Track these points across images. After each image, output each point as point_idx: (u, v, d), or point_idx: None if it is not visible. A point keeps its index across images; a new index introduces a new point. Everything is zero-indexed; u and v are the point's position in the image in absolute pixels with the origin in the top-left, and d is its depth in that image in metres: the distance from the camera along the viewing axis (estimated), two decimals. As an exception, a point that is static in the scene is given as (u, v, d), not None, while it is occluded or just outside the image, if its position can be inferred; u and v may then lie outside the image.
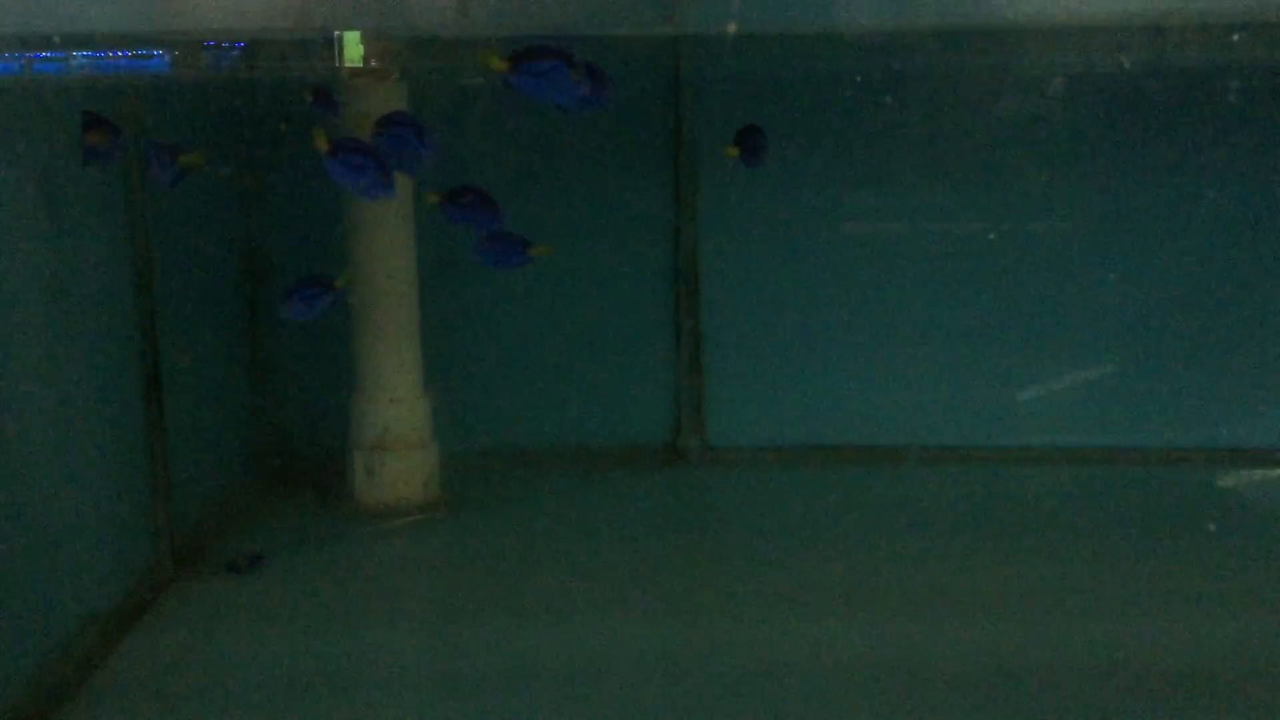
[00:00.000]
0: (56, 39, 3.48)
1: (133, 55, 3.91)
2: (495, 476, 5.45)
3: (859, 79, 5.23)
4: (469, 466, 5.39)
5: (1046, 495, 5.27)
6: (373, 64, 4.30)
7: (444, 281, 5.26)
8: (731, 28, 3.18)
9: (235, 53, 4.01)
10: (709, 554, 4.85)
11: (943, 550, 4.64)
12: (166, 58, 3.96)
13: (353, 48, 4.24)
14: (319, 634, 4.06)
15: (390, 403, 5.10)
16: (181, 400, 4.58)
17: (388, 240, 5.03)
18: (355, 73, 4.49)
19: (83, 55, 3.82)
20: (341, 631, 4.09)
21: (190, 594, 4.37)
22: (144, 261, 4.35)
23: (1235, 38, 3.68)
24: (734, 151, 3.52)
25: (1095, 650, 3.81)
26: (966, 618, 4.06)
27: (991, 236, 5.46)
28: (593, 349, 5.60)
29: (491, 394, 5.55)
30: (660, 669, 3.77)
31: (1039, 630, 3.96)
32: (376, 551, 4.82)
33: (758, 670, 3.74)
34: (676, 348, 5.62)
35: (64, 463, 3.84)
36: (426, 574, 4.68)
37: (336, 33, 3.94)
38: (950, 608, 4.14)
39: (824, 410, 5.62)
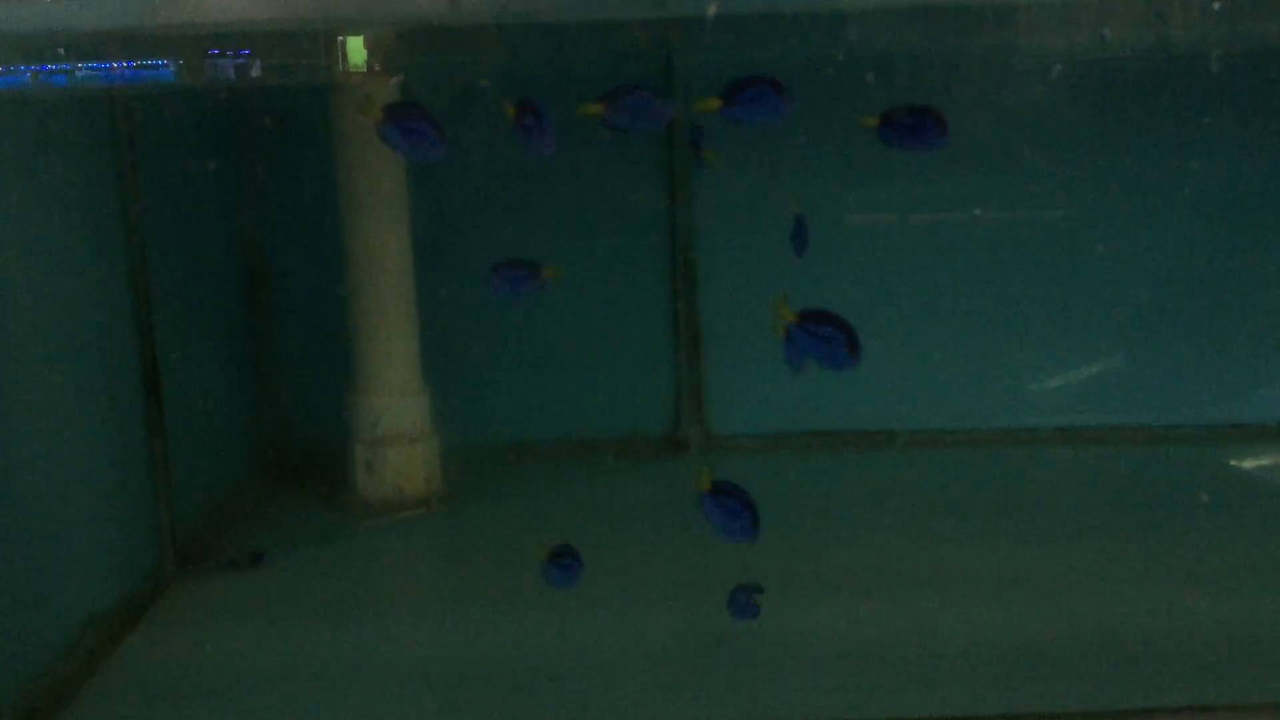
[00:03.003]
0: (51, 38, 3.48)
1: (138, 65, 3.92)
2: (497, 470, 5.44)
3: (856, 66, 5.22)
4: (470, 460, 5.37)
5: (1048, 476, 5.25)
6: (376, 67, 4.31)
7: (437, 276, 5.25)
8: (711, 9, 3.16)
9: (238, 61, 4.02)
10: (712, 542, 4.81)
11: (947, 532, 4.62)
12: (172, 67, 3.97)
13: (355, 52, 4.25)
14: (322, 630, 4.05)
15: (390, 397, 5.09)
16: (181, 398, 4.57)
17: (384, 235, 5.03)
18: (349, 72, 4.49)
19: (88, 66, 3.83)
20: (344, 627, 4.07)
21: (192, 592, 4.36)
22: (140, 260, 4.34)
23: (1216, 5, 3.65)
24: (715, 104, 3.17)
25: (1102, 626, 3.80)
26: (973, 598, 4.05)
27: (978, 212, 5.44)
28: (592, 340, 5.58)
29: (492, 387, 5.53)
30: (667, 657, 3.76)
31: (1046, 608, 3.94)
32: (378, 546, 4.81)
33: (764, 655, 3.73)
34: (675, 337, 5.61)
35: (64, 463, 3.84)
36: (429, 568, 4.67)
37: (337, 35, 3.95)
38: (956, 589, 4.13)
39: (825, 397, 5.60)
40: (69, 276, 3.94)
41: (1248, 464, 5.32)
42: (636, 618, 4.03)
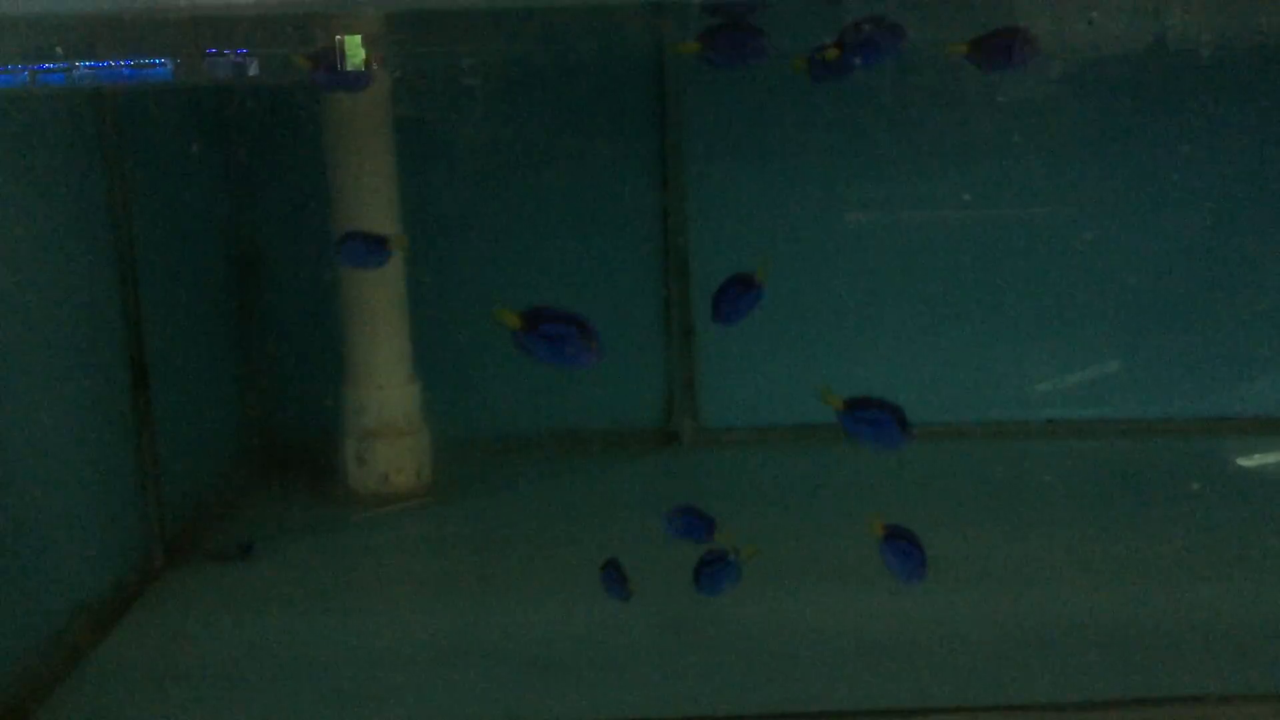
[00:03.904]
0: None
1: (135, 65, 3.92)
2: (487, 462, 5.42)
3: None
4: (461, 452, 5.35)
5: (1039, 468, 5.24)
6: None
7: (428, 267, 5.24)
8: None
9: (235, 59, 4.01)
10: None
11: (939, 524, 4.59)
12: (169, 65, 3.97)
13: (354, 49, 4.23)
14: (310, 620, 4.03)
15: (380, 389, 5.07)
16: (169, 389, 4.55)
17: (374, 226, 4.98)
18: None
19: (85, 65, 3.83)
20: (333, 617, 4.06)
21: (180, 583, 4.34)
22: (128, 251, 4.32)
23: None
24: (693, 47, 3.08)
25: (1092, 616, 3.80)
26: (964, 588, 4.04)
27: (966, 197, 5.43)
28: (584, 332, 5.56)
29: (482, 379, 5.51)
30: (659, 645, 3.76)
31: (1037, 599, 3.94)
32: (368, 538, 4.79)
33: (757, 646, 3.73)
34: (667, 330, 5.59)
35: (51, 454, 3.82)
36: (418, 559, 4.65)
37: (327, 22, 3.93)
38: (946, 578, 4.11)
39: (816, 390, 5.58)
40: (56, 268, 3.92)
41: (1238, 456, 5.32)
42: (628, 606, 4.01)
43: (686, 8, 3.54)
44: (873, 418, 2.78)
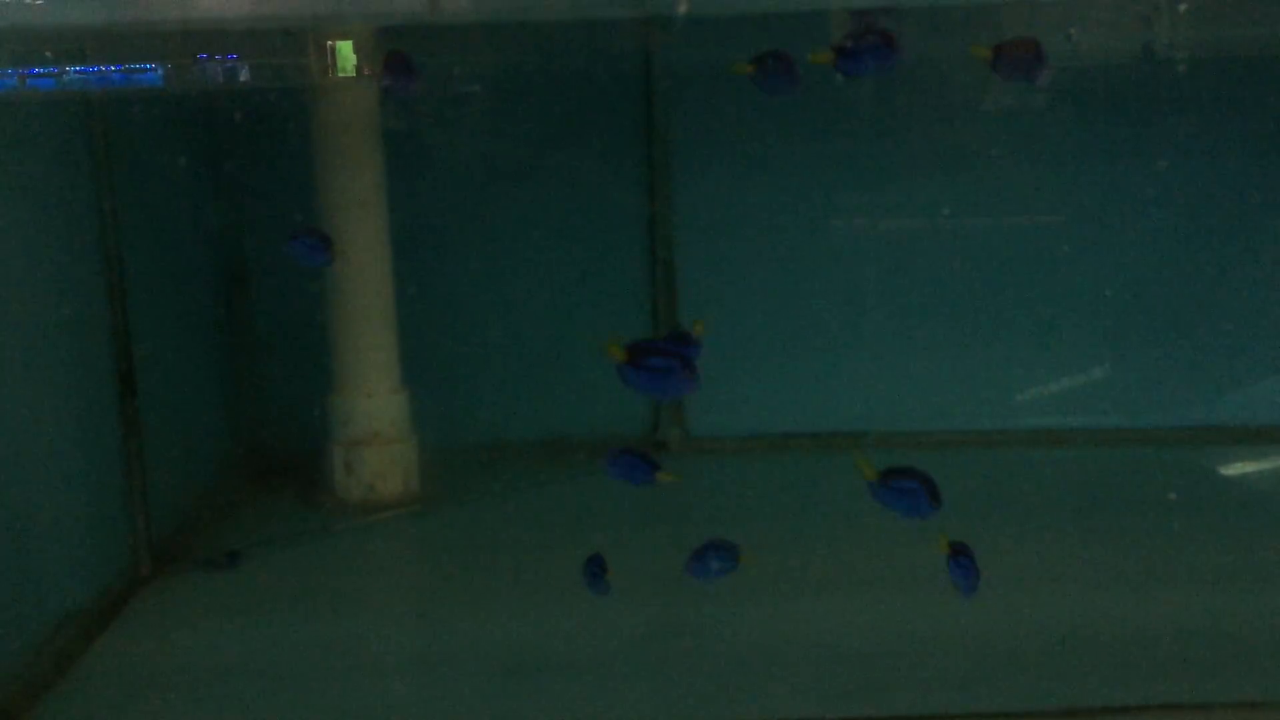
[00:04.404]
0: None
1: (125, 70, 3.93)
2: (475, 470, 5.43)
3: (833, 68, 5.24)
4: (449, 461, 5.36)
5: (1022, 477, 5.27)
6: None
7: (416, 276, 5.25)
8: (683, 7, 3.17)
9: (226, 65, 4.03)
10: (692, 542, 4.82)
11: (925, 533, 4.63)
12: (159, 71, 3.98)
13: (345, 55, 4.26)
14: (296, 627, 4.04)
15: (368, 398, 5.09)
16: (157, 397, 4.56)
17: (363, 235, 5.02)
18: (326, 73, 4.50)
19: (75, 70, 3.84)
20: (319, 624, 4.07)
21: (167, 590, 4.35)
22: (116, 259, 4.33)
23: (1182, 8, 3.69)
24: (827, 57, 2.95)
25: (1073, 624, 3.82)
26: (948, 596, 4.04)
27: (946, 213, 5.47)
28: (572, 340, 5.59)
29: (471, 387, 5.54)
30: (644, 653, 3.77)
31: (1019, 607, 3.95)
32: (356, 546, 4.80)
33: (739, 651, 3.74)
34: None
35: (39, 463, 3.83)
36: (406, 567, 4.67)
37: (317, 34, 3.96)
38: (930, 587, 4.14)
39: (804, 398, 5.62)
40: (43, 275, 3.93)
41: (1219, 465, 5.36)
42: (613, 614, 4.03)
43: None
44: (905, 488, 2.94)
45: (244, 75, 4.28)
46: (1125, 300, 5.50)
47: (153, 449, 4.49)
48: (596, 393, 5.61)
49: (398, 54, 3.44)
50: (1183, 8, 3.89)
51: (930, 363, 5.52)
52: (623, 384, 2.66)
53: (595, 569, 3.32)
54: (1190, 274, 5.50)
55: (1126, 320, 5.52)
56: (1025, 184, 5.48)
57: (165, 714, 3.51)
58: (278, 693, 3.61)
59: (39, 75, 3.85)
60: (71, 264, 4.13)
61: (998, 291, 5.51)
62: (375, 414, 5.09)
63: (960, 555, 3.16)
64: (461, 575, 4.43)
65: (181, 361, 4.99)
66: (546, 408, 5.55)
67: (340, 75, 4.40)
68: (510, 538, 4.79)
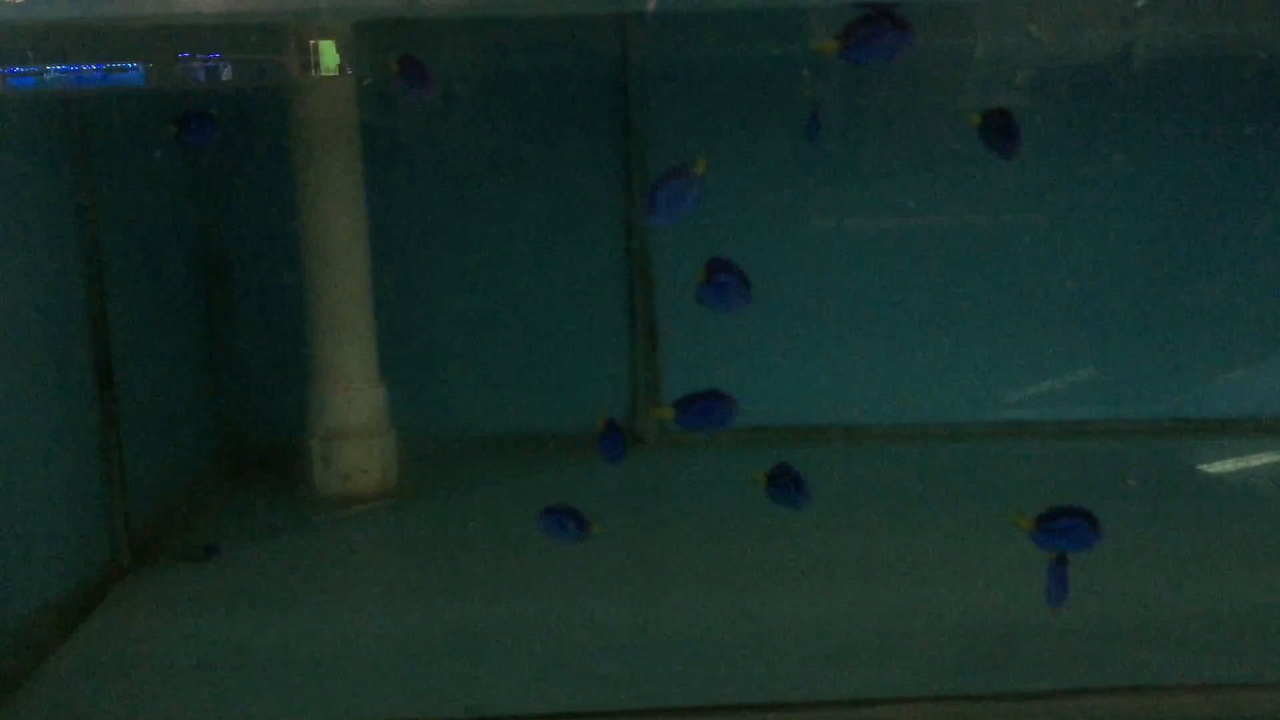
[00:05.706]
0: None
1: (107, 70, 3.93)
2: (453, 464, 5.46)
3: (810, 64, 5.28)
4: (427, 454, 5.39)
5: (1003, 469, 5.33)
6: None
7: (394, 270, 5.28)
8: (651, 4, 3.20)
9: (208, 64, 4.04)
10: (669, 534, 4.87)
11: (900, 522, 4.69)
12: (140, 70, 3.98)
13: (329, 54, 4.28)
14: (274, 619, 4.06)
15: (346, 391, 5.11)
16: (136, 391, 4.57)
17: (341, 230, 5.05)
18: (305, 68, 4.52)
19: (55, 69, 3.84)
20: (297, 617, 4.09)
21: (146, 583, 4.36)
22: (95, 253, 4.34)
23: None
24: (833, 46, 2.85)
25: (1051, 612, 3.86)
26: (925, 584, 4.12)
27: (910, 204, 5.50)
28: (549, 335, 5.62)
29: (449, 381, 5.56)
30: (620, 643, 3.80)
31: (996, 594, 4.01)
32: (334, 539, 4.82)
33: (717, 642, 3.78)
34: (631, 333, 5.65)
35: (17, 455, 3.83)
36: (384, 560, 4.69)
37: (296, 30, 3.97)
38: (908, 576, 4.20)
39: (780, 392, 5.66)
40: (21, 269, 3.94)
41: (1191, 457, 5.42)
42: (590, 605, 4.07)
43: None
44: (1066, 526, 3.21)
45: (226, 74, 4.31)
46: (1098, 294, 5.55)
47: (131, 442, 4.51)
48: (574, 387, 5.69)
49: (410, 59, 3.47)
50: (1147, 4, 3.93)
51: (903, 356, 5.58)
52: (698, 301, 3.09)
53: (562, 518, 3.41)
54: (1163, 268, 5.56)
55: (1099, 313, 5.58)
56: (998, 180, 5.52)
57: (143, 704, 3.52)
58: (256, 683, 3.63)
59: (19, 74, 3.85)
60: (51, 258, 4.14)
61: (970, 286, 5.56)
62: (353, 407, 5.12)
63: (1060, 563, 3.29)
64: (439, 568, 4.46)
65: (160, 355, 5.00)
66: (523, 401, 5.59)
67: (321, 73, 4.43)
68: (487, 531, 4.82)
